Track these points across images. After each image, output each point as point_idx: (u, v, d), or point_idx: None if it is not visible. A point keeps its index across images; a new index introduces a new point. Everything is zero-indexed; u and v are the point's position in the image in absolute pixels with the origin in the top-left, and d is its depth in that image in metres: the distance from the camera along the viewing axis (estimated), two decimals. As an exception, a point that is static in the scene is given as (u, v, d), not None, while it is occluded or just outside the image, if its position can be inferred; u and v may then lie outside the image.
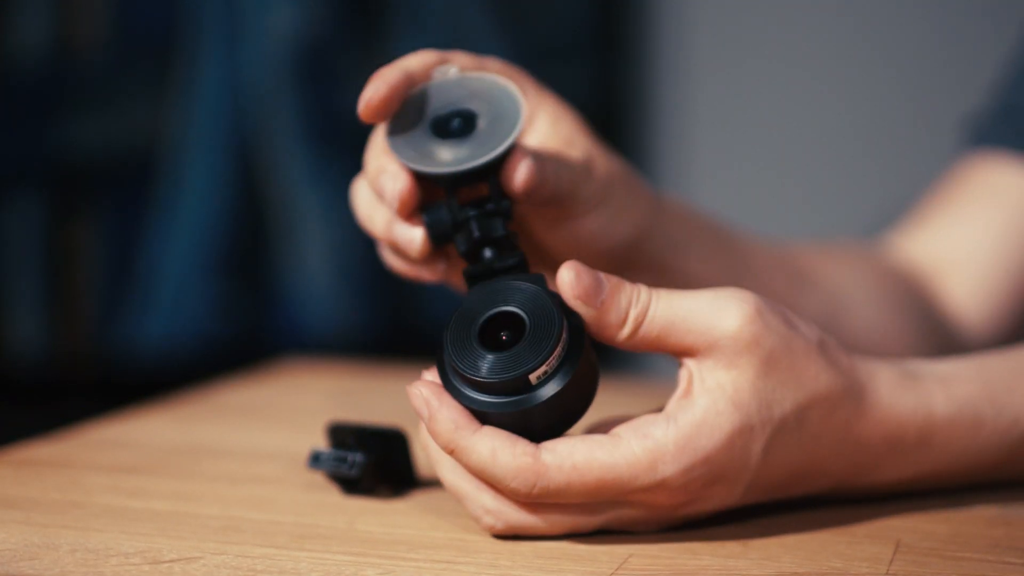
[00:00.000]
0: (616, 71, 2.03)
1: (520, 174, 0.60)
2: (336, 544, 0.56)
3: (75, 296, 1.87)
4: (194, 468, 0.69)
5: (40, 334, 1.85)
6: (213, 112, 1.82)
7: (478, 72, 0.63)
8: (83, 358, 1.87)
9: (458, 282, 0.64)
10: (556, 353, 0.55)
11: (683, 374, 0.56)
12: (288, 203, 1.83)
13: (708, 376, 0.56)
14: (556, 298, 0.56)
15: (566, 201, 0.64)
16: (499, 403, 0.55)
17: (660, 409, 0.56)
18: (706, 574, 0.53)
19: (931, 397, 0.60)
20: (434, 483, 0.65)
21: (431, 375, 0.57)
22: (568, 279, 0.55)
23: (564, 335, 0.55)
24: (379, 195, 0.62)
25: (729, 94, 2.02)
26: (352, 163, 0.65)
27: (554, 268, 0.58)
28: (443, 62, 0.63)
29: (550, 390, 0.55)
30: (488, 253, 0.60)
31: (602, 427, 0.57)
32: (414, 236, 0.61)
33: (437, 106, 0.61)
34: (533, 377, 0.54)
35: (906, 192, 1.18)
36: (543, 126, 0.66)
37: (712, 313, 0.56)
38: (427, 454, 0.58)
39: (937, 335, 0.88)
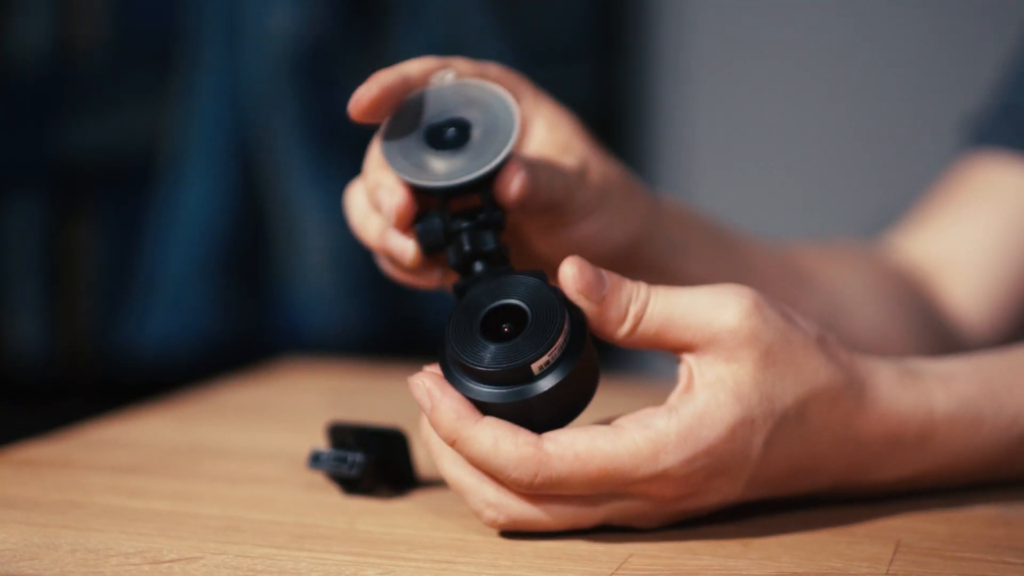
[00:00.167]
0: (616, 72, 2.03)
1: (513, 185, 0.60)
2: (336, 544, 0.56)
3: (75, 297, 1.87)
4: (194, 468, 0.69)
5: (40, 335, 1.85)
6: (213, 113, 1.82)
7: (475, 79, 0.63)
8: (83, 359, 1.87)
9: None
10: (558, 344, 0.55)
11: (683, 370, 0.57)
12: (288, 204, 1.83)
13: (708, 371, 0.56)
14: (558, 292, 0.56)
15: (561, 208, 0.64)
16: (501, 393, 0.55)
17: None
18: (706, 574, 0.53)
19: (931, 395, 0.60)
20: (434, 483, 0.65)
21: (433, 368, 0.57)
22: (571, 273, 0.56)
23: (566, 327, 0.55)
24: (376, 208, 0.62)
25: (729, 95, 2.02)
26: (352, 165, 0.65)
27: (552, 274, 0.58)
28: (443, 68, 0.63)
29: (552, 380, 0.55)
30: (479, 266, 0.60)
31: (603, 422, 0.57)
32: (407, 247, 0.62)
33: (432, 113, 0.61)
34: (535, 367, 0.55)
35: (906, 192, 1.18)
36: (540, 132, 0.66)
37: (710, 308, 0.56)
38: (428, 449, 0.58)
39: (937, 335, 0.88)
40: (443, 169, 0.60)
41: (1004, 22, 1.58)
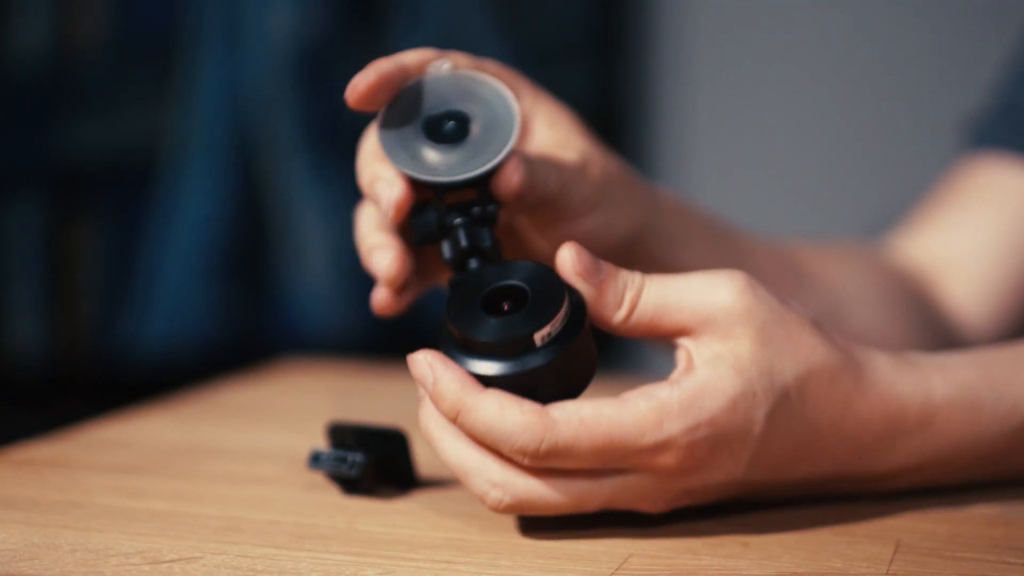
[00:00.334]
0: (616, 73, 2.03)
1: (513, 180, 0.60)
2: (336, 544, 0.56)
3: (75, 298, 1.87)
4: (194, 468, 0.69)
5: (40, 335, 1.85)
6: (213, 114, 1.82)
7: (472, 71, 0.63)
8: (83, 360, 1.87)
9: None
10: (560, 316, 0.55)
11: (680, 354, 0.57)
12: (288, 205, 1.83)
13: (705, 350, 0.56)
14: (557, 274, 0.57)
15: (561, 204, 0.64)
16: (503, 365, 0.55)
17: None
18: (706, 574, 0.53)
19: (929, 380, 0.60)
20: (434, 483, 0.65)
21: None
22: (569, 256, 0.57)
23: (567, 303, 0.55)
24: (374, 201, 0.62)
25: (729, 96, 2.02)
26: (352, 166, 0.65)
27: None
28: (440, 59, 0.63)
29: (554, 352, 0.55)
30: (474, 263, 0.60)
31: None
32: (380, 268, 0.62)
33: (430, 104, 0.61)
34: (538, 337, 0.55)
35: (906, 193, 1.18)
36: (539, 128, 0.66)
37: (704, 290, 0.57)
38: (427, 436, 0.57)
39: (937, 335, 0.88)
40: (441, 162, 0.60)
41: (1004, 22, 1.58)
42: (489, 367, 0.55)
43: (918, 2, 1.93)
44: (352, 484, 0.63)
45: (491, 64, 0.65)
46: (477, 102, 0.61)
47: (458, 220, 0.60)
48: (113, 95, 1.85)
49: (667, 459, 0.55)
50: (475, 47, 1.77)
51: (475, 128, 0.61)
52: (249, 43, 1.81)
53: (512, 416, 0.54)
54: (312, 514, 0.61)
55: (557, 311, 0.55)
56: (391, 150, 0.60)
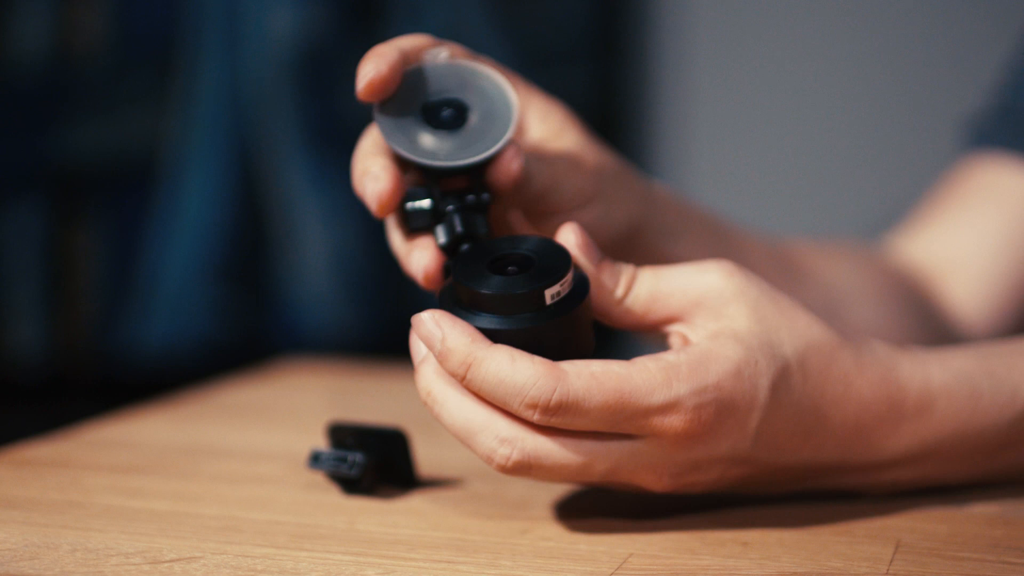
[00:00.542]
0: (616, 74, 2.04)
1: (511, 167, 0.61)
2: (336, 544, 0.56)
3: (76, 300, 1.87)
4: (194, 468, 0.69)
5: (41, 337, 1.85)
6: (213, 116, 1.82)
7: (470, 62, 0.63)
8: (83, 361, 1.87)
9: None
10: (568, 279, 0.55)
11: (674, 339, 0.58)
12: (288, 207, 1.83)
13: (700, 330, 0.57)
14: (560, 245, 0.57)
15: (552, 196, 0.64)
16: (513, 319, 0.55)
17: None
18: (706, 574, 0.53)
19: (927, 366, 0.60)
20: (434, 483, 0.65)
21: None
22: (570, 230, 0.58)
23: (572, 269, 0.56)
24: (360, 197, 0.61)
25: (728, 97, 2.02)
26: (351, 167, 0.65)
27: None
28: (435, 47, 0.63)
29: (564, 310, 0.55)
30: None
31: None
32: (419, 267, 0.61)
33: (429, 91, 0.61)
34: (548, 295, 0.55)
35: (907, 193, 1.18)
36: (531, 122, 0.66)
37: (694, 274, 0.58)
38: (429, 398, 0.57)
39: (935, 334, 0.88)
40: (439, 148, 0.60)
41: (1004, 22, 1.58)
42: (498, 321, 0.55)
43: (918, 2, 1.93)
44: (352, 484, 0.63)
45: (484, 61, 0.65)
46: (475, 92, 0.62)
47: (453, 206, 0.60)
48: (113, 97, 1.85)
49: (675, 422, 0.55)
50: (475, 48, 1.76)
51: (473, 117, 0.61)
52: (249, 45, 1.81)
53: (524, 367, 0.54)
54: (312, 514, 0.61)
55: (565, 273, 0.55)
56: (389, 133, 0.60)
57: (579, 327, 0.56)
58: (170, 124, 1.83)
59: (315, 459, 0.63)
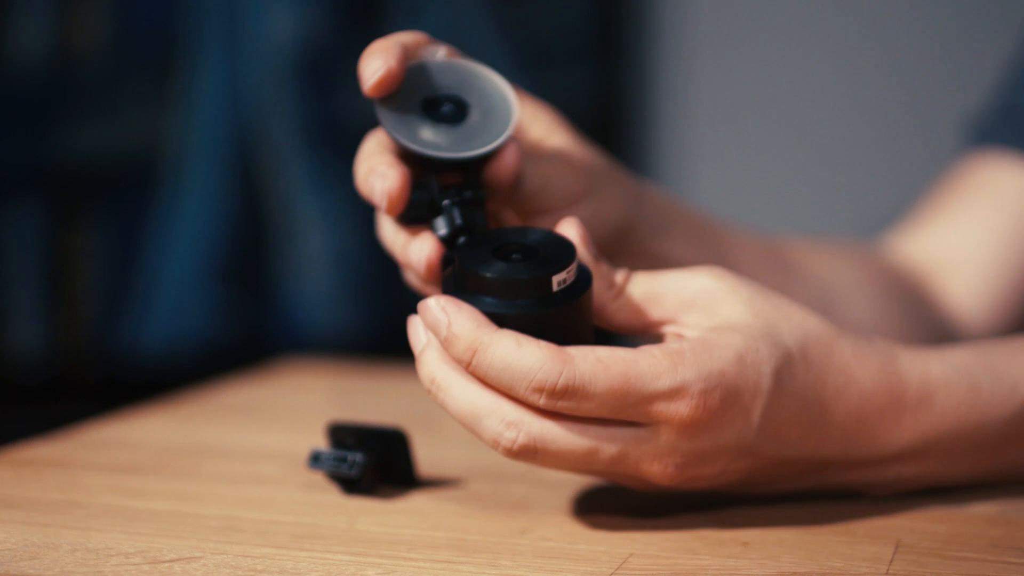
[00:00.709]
0: (616, 76, 2.03)
1: (510, 164, 0.61)
2: (336, 544, 0.56)
3: (76, 301, 1.87)
4: (194, 468, 0.69)
5: (41, 338, 1.85)
6: (213, 117, 1.82)
7: (468, 61, 0.63)
8: (84, 363, 1.87)
9: None
10: (573, 267, 0.56)
11: (670, 338, 0.58)
12: (288, 208, 1.83)
13: (695, 328, 0.57)
14: (563, 236, 0.58)
15: (542, 196, 0.65)
16: (519, 304, 0.55)
17: None
18: (706, 574, 0.53)
19: (926, 359, 0.61)
20: (434, 483, 0.65)
21: None
22: (571, 224, 0.58)
23: (577, 259, 0.56)
24: (367, 196, 0.61)
25: (728, 98, 2.02)
26: (351, 169, 0.65)
27: None
28: (431, 44, 0.63)
29: (569, 298, 0.55)
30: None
31: None
32: (422, 257, 0.61)
33: (429, 87, 0.62)
34: (555, 281, 0.55)
35: (908, 195, 1.18)
36: (522, 123, 0.67)
37: (686, 278, 0.59)
38: (433, 384, 0.56)
39: (933, 332, 0.88)
40: (441, 140, 0.60)
41: (1005, 21, 1.58)
42: (504, 306, 0.55)
43: (917, 2, 1.93)
44: (352, 484, 0.63)
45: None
46: (474, 90, 0.62)
47: (453, 199, 0.60)
48: (113, 98, 1.85)
49: (681, 408, 0.55)
50: (475, 50, 1.77)
51: (473, 114, 0.61)
52: (249, 46, 1.81)
53: (531, 351, 0.54)
54: (312, 514, 0.61)
55: (571, 261, 0.56)
56: (392, 125, 0.60)
57: (582, 317, 0.56)
58: (170, 125, 1.83)
59: (315, 459, 0.63)
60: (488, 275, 0.55)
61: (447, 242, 0.60)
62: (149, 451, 0.73)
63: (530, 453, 0.55)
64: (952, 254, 0.92)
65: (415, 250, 0.61)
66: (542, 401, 0.54)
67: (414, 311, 0.58)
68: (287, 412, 0.87)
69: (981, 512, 0.61)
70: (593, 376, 0.54)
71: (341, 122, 1.81)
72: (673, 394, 0.54)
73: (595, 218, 0.67)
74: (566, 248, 0.57)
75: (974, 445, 0.61)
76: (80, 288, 1.87)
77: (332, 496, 0.63)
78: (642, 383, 0.54)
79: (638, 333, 0.59)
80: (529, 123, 0.67)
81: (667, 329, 0.58)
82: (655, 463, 0.56)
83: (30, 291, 1.85)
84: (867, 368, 0.59)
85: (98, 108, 1.84)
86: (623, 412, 0.55)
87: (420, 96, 0.61)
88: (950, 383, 0.60)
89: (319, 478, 0.66)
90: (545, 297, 0.55)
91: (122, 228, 1.85)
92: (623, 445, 0.55)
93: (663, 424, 0.55)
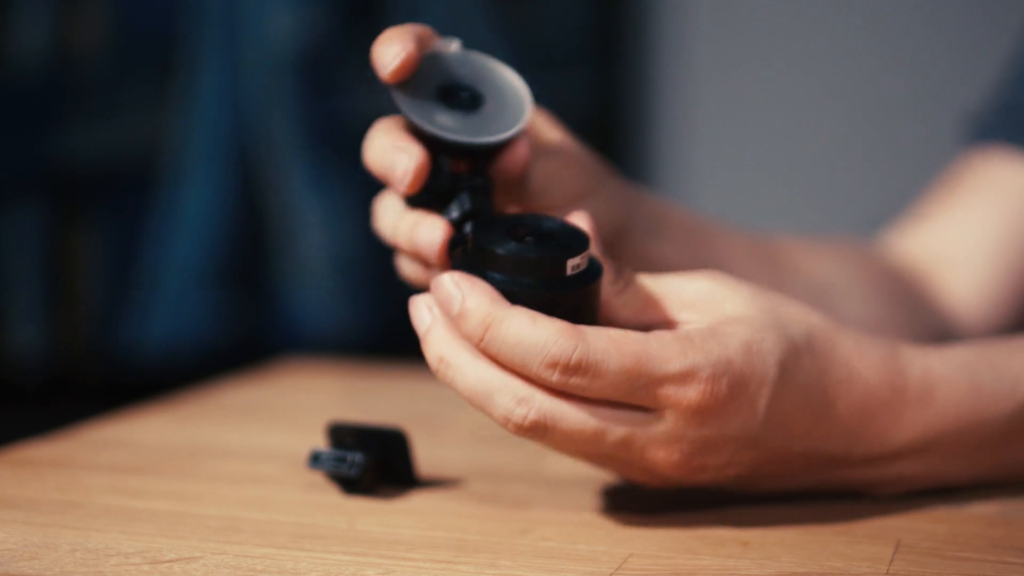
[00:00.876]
0: (616, 77, 2.04)
1: (519, 157, 0.61)
2: (336, 544, 0.56)
3: (76, 302, 1.87)
4: (194, 468, 0.69)
5: (41, 339, 1.85)
6: (213, 118, 1.82)
7: (483, 54, 0.63)
8: (84, 363, 1.87)
9: None
10: (587, 254, 0.56)
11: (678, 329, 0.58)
12: (288, 209, 1.83)
13: (699, 323, 0.57)
14: (577, 226, 0.58)
15: (547, 193, 0.65)
16: (533, 283, 0.55)
17: None
18: (706, 574, 0.53)
19: (927, 355, 0.61)
20: (434, 483, 0.65)
21: None
22: (582, 216, 0.58)
23: (590, 247, 0.56)
24: (386, 171, 0.60)
25: (728, 100, 2.02)
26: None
27: None
28: (439, 38, 0.63)
29: (582, 283, 0.55)
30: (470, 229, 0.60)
31: None
32: (433, 238, 0.61)
33: (444, 76, 0.62)
34: (569, 265, 0.55)
35: (908, 196, 1.18)
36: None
37: (686, 281, 0.59)
38: (442, 362, 0.56)
39: (930, 331, 0.87)
40: (456, 126, 0.60)
41: (1005, 19, 1.58)
42: (518, 285, 0.55)
43: (917, 2, 1.93)
44: (352, 484, 0.63)
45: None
46: (488, 82, 0.62)
47: (464, 184, 0.60)
48: (113, 98, 1.85)
49: (690, 393, 0.55)
50: (474, 49, 1.76)
51: (487, 104, 0.61)
52: (249, 47, 1.81)
53: (545, 325, 0.54)
54: (312, 514, 0.61)
55: (584, 248, 0.56)
56: (409, 107, 0.60)
57: (591, 304, 0.56)
58: (170, 125, 1.83)
59: (315, 459, 0.63)
60: (503, 252, 0.55)
61: (456, 226, 0.60)
62: (149, 451, 0.73)
63: (540, 430, 0.55)
64: (951, 251, 0.92)
65: (425, 231, 0.60)
66: (555, 377, 0.54)
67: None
68: (287, 412, 0.87)
69: (981, 512, 0.61)
70: (606, 353, 0.54)
71: (341, 122, 1.81)
72: (682, 378, 0.54)
73: (594, 218, 0.67)
74: (580, 236, 0.57)
75: (975, 443, 0.61)
76: (80, 288, 1.87)
77: (332, 496, 0.63)
78: (653, 364, 0.54)
79: (641, 331, 0.59)
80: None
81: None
82: (661, 449, 0.56)
83: (30, 291, 1.85)
84: (869, 363, 0.59)
85: (98, 108, 1.84)
86: (632, 394, 0.55)
87: (435, 84, 0.61)
88: (951, 379, 0.60)
89: (319, 478, 0.66)
90: (558, 279, 0.55)
91: (122, 228, 1.85)
92: (631, 428, 0.55)
93: (671, 409, 0.55)
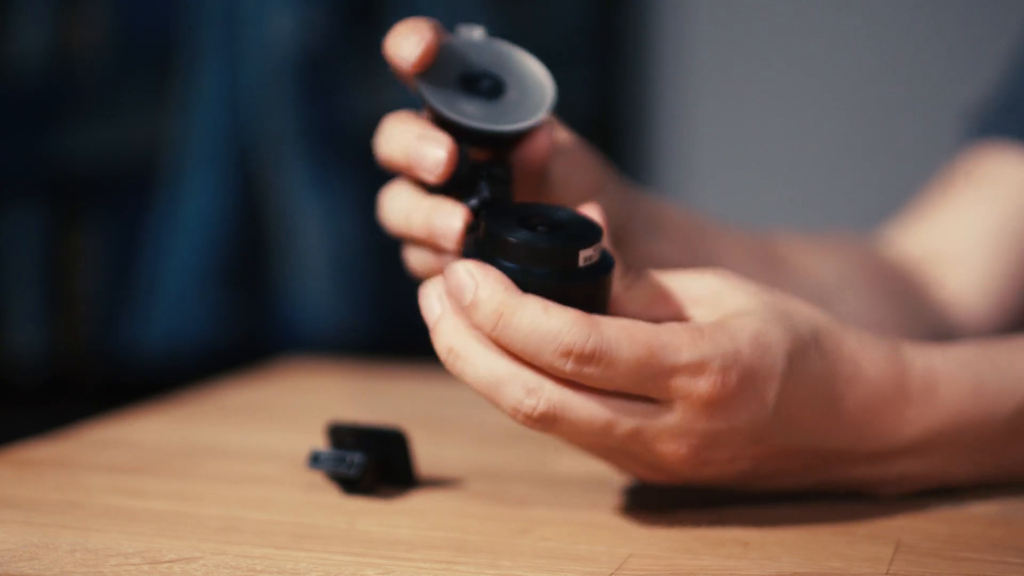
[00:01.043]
0: (615, 78, 2.03)
1: (541, 146, 0.61)
2: (336, 544, 0.56)
3: (76, 302, 1.87)
4: (194, 468, 0.69)
5: (41, 339, 1.85)
6: (212, 120, 1.82)
7: (505, 42, 0.63)
8: (84, 364, 1.87)
9: None
10: (599, 245, 0.56)
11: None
12: (287, 210, 1.83)
13: (706, 317, 0.58)
14: (590, 218, 0.58)
15: (562, 188, 0.65)
16: (545, 273, 0.55)
17: None
18: (706, 574, 0.53)
19: (929, 352, 0.61)
20: (434, 483, 0.65)
21: None
22: (593, 209, 0.58)
23: (603, 239, 0.56)
24: (413, 161, 0.60)
25: (728, 100, 2.02)
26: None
27: None
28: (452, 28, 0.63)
29: (594, 275, 0.55)
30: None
31: None
32: (452, 223, 0.60)
33: (465, 63, 0.61)
34: (581, 256, 0.55)
35: (908, 192, 1.18)
36: None
37: (692, 279, 0.59)
38: (451, 352, 0.56)
39: (928, 328, 0.87)
40: (480, 113, 0.60)
41: (1005, 15, 1.58)
42: (530, 274, 0.55)
43: (917, 1, 1.93)
44: (352, 484, 0.63)
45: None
46: (510, 71, 0.62)
47: (484, 172, 0.60)
48: (112, 100, 1.85)
49: (700, 384, 0.55)
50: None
51: (509, 92, 0.61)
52: (248, 48, 1.81)
53: (559, 314, 0.54)
54: (312, 514, 0.61)
55: (597, 239, 0.56)
56: (432, 95, 0.60)
57: (601, 297, 0.56)
58: (170, 126, 1.83)
59: (315, 459, 0.63)
60: (515, 241, 0.55)
61: (474, 212, 0.60)
62: (149, 451, 0.73)
63: (549, 421, 0.55)
64: (951, 248, 0.92)
65: (443, 217, 0.60)
66: (568, 366, 0.54)
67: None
68: (287, 412, 0.87)
69: (981, 512, 0.61)
70: (619, 342, 0.54)
71: (341, 123, 1.81)
72: (693, 369, 0.54)
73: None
74: (593, 227, 0.56)
75: (977, 441, 0.61)
76: (80, 289, 1.87)
77: (332, 496, 0.63)
78: (664, 354, 0.54)
79: None
80: None
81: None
82: (670, 442, 0.56)
83: (30, 292, 1.85)
84: (873, 359, 0.59)
85: (98, 109, 1.84)
86: (644, 385, 0.54)
87: (456, 72, 0.61)
88: (953, 377, 0.60)
89: (319, 478, 0.66)
90: (571, 270, 0.55)
91: (122, 229, 1.85)
92: (640, 420, 0.55)
93: (681, 401, 0.55)
